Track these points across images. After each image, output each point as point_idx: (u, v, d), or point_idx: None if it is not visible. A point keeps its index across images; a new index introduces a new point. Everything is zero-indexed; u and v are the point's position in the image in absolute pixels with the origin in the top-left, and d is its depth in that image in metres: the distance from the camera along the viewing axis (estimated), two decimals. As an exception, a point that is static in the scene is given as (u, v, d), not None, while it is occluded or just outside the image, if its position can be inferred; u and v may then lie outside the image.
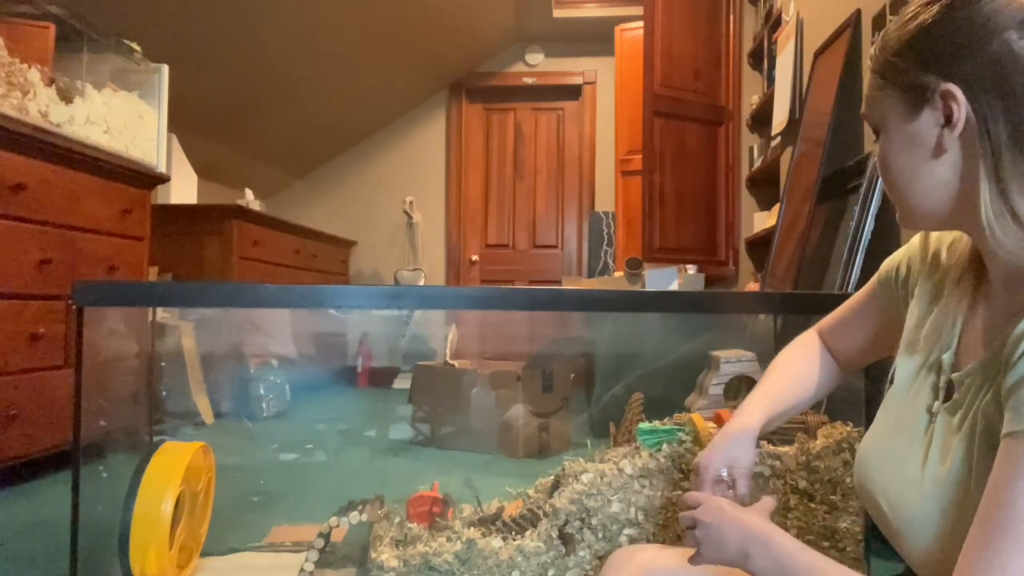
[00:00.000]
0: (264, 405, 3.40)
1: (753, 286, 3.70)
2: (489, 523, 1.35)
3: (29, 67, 2.23)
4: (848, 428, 1.35)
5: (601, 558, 1.25)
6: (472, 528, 1.34)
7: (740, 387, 1.63)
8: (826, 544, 1.29)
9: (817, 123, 2.60)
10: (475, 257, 5.49)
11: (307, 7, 3.70)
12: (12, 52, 2.19)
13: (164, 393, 2.98)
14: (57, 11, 2.40)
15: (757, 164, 3.85)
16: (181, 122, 3.56)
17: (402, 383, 4.13)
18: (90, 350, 1.29)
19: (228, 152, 4.56)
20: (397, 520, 1.41)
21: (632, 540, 1.25)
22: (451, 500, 1.49)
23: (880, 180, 1.47)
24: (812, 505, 1.30)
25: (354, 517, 1.32)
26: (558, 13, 4.89)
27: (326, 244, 4.88)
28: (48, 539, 1.73)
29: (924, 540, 0.66)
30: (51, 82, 2.32)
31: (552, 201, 5.51)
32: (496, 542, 1.27)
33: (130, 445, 1.60)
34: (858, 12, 2.43)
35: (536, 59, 5.41)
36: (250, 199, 4.30)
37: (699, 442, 1.28)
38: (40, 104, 2.24)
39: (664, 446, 1.31)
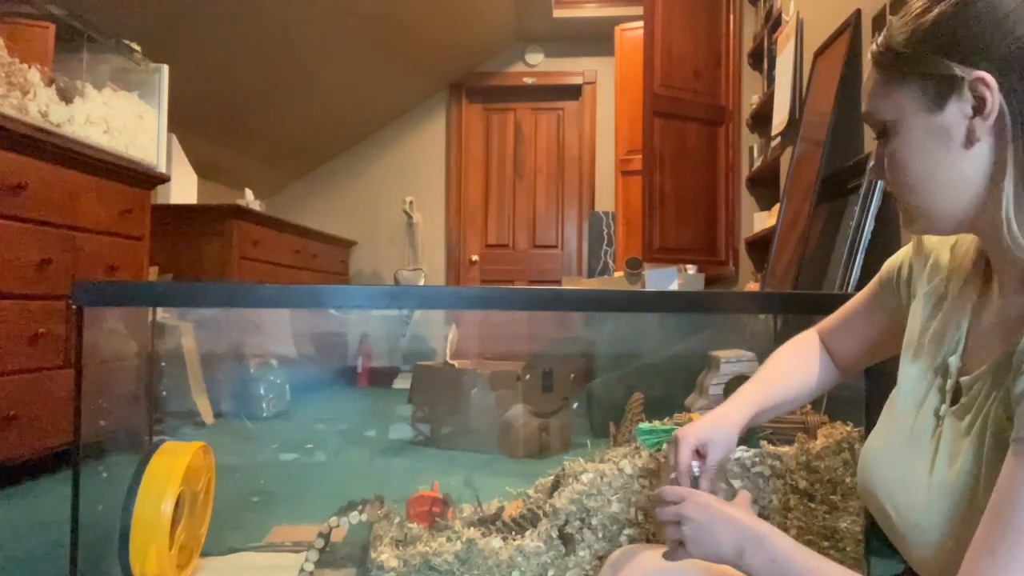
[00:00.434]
0: (264, 405, 3.40)
1: (753, 286, 3.70)
2: (489, 523, 1.35)
3: (29, 67, 2.23)
4: (848, 428, 1.35)
5: (601, 558, 1.24)
6: (472, 528, 1.34)
7: (740, 387, 1.63)
8: (826, 544, 1.29)
9: (817, 123, 2.60)
10: (475, 257, 5.49)
11: (307, 7, 3.70)
12: (12, 52, 2.19)
13: (164, 393, 2.98)
14: (57, 11, 2.40)
15: (757, 164, 3.85)
16: (181, 122, 3.56)
17: (402, 383, 4.13)
18: (90, 350, 1.29)
19: (228, 152, 4.56)
20: (397, 520, 1.41)
21: (632, 540, 1.25)
22: (451, 500, 1.49)
23: (879, 183, 1.45)
24: (812, 505, 1.30)
25: (354, 517, 1.32)
26: (558, 13, 4.89)
27: (326, 244, 4.88)
28: (48, 539, 1.73)
29: (930, 544, 0.65)
30: (51, 82, 2.32)
31: (552, 201, 5.51)
32: (496, 542, 1.27)
33: (130, 445, 1.60)
34: (858, 12, 2.43)
35: (536, 59, 5.41)
36: (250, 199, 4.30)
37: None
38: (40, 104, 2.24)
39: (664, 446, 1.31)
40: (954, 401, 0.69)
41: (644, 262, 3.71)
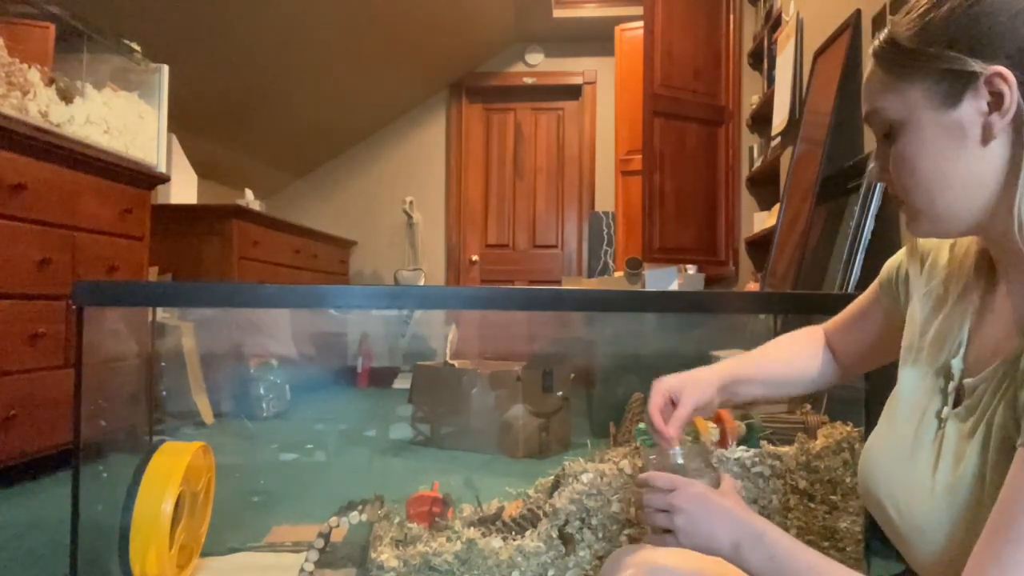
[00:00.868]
0: (264, 405, 3.40)
1: (753, 286, 3.70)
2: (489, 523, 1.35)
3: (29, 67, 2.23)
4: (848, 428, 1.35)
5: (601, 558, 1.24)
6: (472, 528, 1.33)
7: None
8: (826, 544, 1.29)
9: (817, 123, 2.60)
10: (475, 257, 5.49)
11: (307, 7, 3.70)
12: (12, 52, 2.19)
13: (164, 393, 2.98)
14: (57, 11, 2.40)
15: (757, 164, 3.85)
16: (181, 122, 3.56)
17: (402, 383, 4.13)
18: (90, 350, 1.29)
19: (228, 152, 4.56)
20: (397, 520, 1.41)
21: (632, 540, 1.25)
22: (451, 500, 1.49)
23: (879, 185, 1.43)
24: (812, 505, 1.30)
25: (354, 517, 1.32)
26: (558, 13, 4.89)
27: (326, 244, 4.88)
28: (48, 539, 1.73)
29: (933, 546, 0.65)
30: (51, 82, 2.32)
31: (552, 201, 5.51)
32: (496, 542, 1.27)
33: (130, 445, 1.60)
34: (858, 12, 2.43)
35: (536, 59, 5.41)
36: (250, 199, 4.30)
37: (699, 442, 1.28)
38: (40, 104, 2.24)
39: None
40: (956, 403, 0.69)
41: (644, 262, 3.71)
